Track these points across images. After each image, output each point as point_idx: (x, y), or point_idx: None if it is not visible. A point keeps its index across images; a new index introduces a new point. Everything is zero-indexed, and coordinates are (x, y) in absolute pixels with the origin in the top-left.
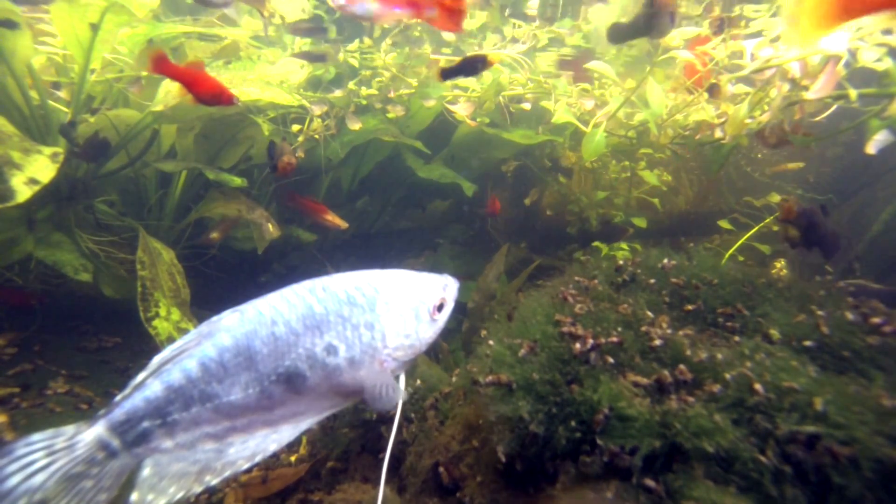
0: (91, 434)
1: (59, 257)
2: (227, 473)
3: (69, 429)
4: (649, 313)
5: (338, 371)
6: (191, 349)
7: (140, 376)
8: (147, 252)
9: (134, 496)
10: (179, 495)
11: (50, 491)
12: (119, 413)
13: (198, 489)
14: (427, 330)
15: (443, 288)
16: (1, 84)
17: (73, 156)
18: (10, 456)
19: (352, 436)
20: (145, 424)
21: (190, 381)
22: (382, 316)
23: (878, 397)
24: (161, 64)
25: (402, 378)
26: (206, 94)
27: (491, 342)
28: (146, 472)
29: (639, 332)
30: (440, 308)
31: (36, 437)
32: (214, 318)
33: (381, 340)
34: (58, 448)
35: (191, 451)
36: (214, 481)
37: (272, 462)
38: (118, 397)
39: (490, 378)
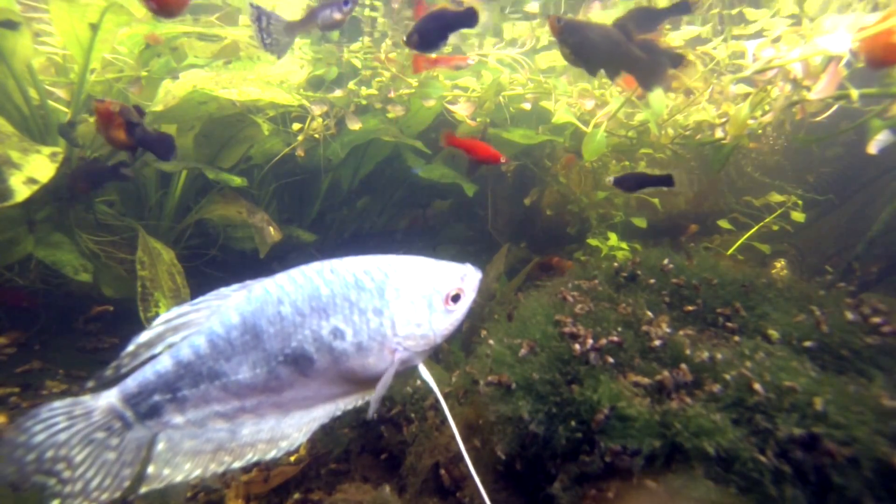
0: (105, 401)
1: (59, 257)
2: (248, 456)
3: (86, 397)
4: (649, 313)
5: (345, 356)
6: (197, 320)
7: (143, 336)
8: (147, 252)
9: (150, 468)
10: (196, 472)
11: (76, 453)
12: (132, 384)
13: (217, 469)
14: (441, 321)
15: (461, 278)
16: (1, 84)
17: (73, 188)
18: (35, 418)
19: (352, 436)
20: (156, 398)
21: (198, 357)
22: (392, 302)
23: (878, 397)
24: (450, 138)
25: (423, 369)
26: (483, 156)
27: (491, 342)
28: (160, 446)
29: (639, 332)
30: (456, 299)
31: (56, 403)
32: (224, 290)
33: (391, 328)
34: (77, 414)
35: (202, 429)
36: (236, 464)
37: (272, 462)
38: (123, 356)
39: (490, 378)
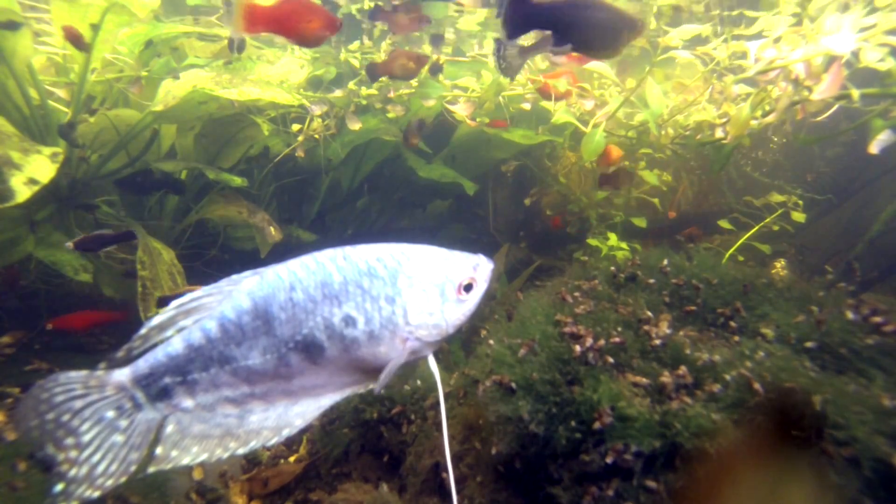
0: (117, 378)
1: (59, 257)
2: (252, 443)
3: (100, 372)
4: (649, 313)
5: (356, 344)
6: (209, 305)
7: (155, 319)
8: (147, 252)
9: (159, 450)
10: (203, 457)
11: (87, 429)
12: (143, 365)
13: (222, 454)
14: (454, 310)
15: (473, 267)
16: (1, 84)
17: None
18: (55, 381)
19: (352, 436)
20: (167, 380)
21: (209, 341)
22: (404, 291)
23: (878, 397)
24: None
25: (432, 360)
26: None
27: (491, 342)
28: (169, 428)
29: (639, 332)
30: (468, 288)
31: (73, 373)
32: (236, 277)
33: (403, 317)
34: (91, 384)
35: (211, 413)
36: (241, 450)
37: (272, 462)
38: (135, 338)
39: (490, 378)
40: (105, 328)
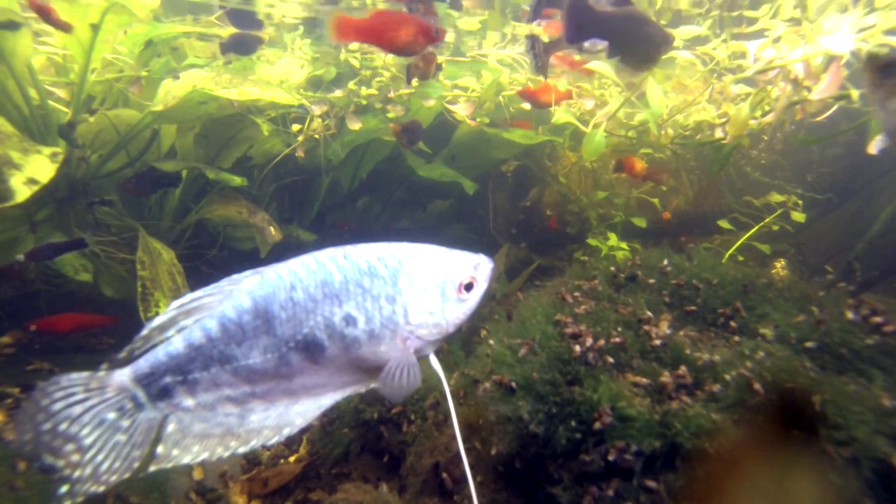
0: (118, 379)
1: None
2: (253, 442)
3: (101, 373)
4: (649, 313)
5: (357, 343)
6: (209, 304)
7: (156, 320)
8: (147, 252)
9: (160, 449)
10: (204, 455)
11: (87, 433)
12: (144, 365)
13: (223, 453)
14: (454, 310)
15: (474, 266)
16: (1, 84)
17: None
18: (56, 385)
19: (352, 436)
20: (167, 379)
21: (210, 340)
22: (405, 290)
23: (877, 397)
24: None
25: (434, 359)
26: None
27: (491, 342)
28: (170, 427)
29: (639, 332)
30: (469, 287)
31: (74, 375)
32: (236, 276)
33: (403, 316)
34: (93, 387)
35: (212, 412)
36: (241, 449)
37: (272, 462)
38: (137, 339)
39: (491, 378)
40: (96, 330)
